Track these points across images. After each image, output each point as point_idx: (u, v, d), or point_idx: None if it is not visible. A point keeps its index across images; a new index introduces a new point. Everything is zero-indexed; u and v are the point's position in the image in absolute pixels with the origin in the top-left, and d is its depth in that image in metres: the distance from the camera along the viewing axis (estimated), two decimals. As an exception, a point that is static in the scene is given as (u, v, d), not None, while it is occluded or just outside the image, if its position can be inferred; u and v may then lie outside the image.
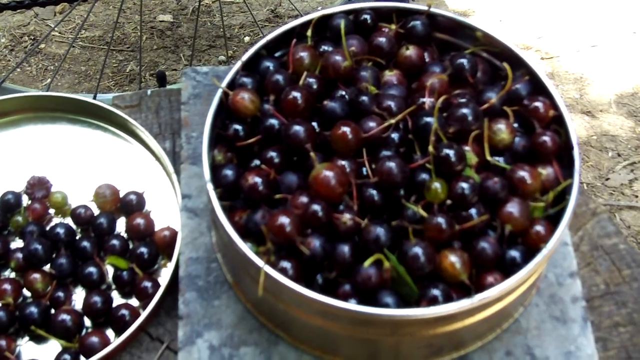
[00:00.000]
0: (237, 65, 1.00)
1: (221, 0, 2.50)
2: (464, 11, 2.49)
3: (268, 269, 0.83)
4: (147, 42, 2.40)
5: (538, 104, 0.96)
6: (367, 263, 0.84)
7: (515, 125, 0.96)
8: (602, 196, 2.02)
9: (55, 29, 2.41)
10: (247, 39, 2.43)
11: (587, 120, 2.21)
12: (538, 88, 0.99)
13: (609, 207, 1.99)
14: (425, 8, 1.04)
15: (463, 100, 0.96)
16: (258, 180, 0.90)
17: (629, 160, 2.12)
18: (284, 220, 0.85)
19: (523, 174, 0.91)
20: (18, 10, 2.08)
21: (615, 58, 2.38)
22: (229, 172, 0.93)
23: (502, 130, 0.94)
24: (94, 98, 1.49)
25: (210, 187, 0.90)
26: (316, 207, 0.86)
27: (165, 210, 1.12)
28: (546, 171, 0.94)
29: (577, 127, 2.16)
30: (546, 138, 0.94)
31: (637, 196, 2.04)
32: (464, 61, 1.00)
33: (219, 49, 2.38)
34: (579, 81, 2.32)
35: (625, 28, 2.46)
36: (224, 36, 2.38)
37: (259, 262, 0.83)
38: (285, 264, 0.86)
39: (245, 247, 0.85)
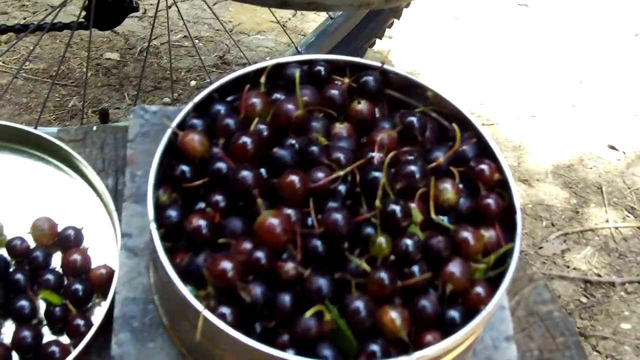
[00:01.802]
0: (189, 106, 0.99)
1: (170, 43, 2.50)
2: (410, 72, 2.52)
3: (207, 313, 0.82)
4: (92, 79, 2.38)
5: (484, 166, 0.97)
6: (308, 314, 0.83)
7: (461, 186, 0.97)
8: (535, 264, 2.05)
9: (0, 58, 2.37)
10: (193, 82, 2.43)
11: (523, 188, 2.25)
12: (484, 151, 1.00)
13: (542, 275, 2.02)
14: (379, 64, 1.05)
15: (411, 157, 0.96)
16: (202, 223, 0.89)
17: (562, 230, 2.16)
18: (227, 265, 0.84)
19: (466, 234, 0.91)
20: (-37, 37, 2.06)
21: (553, 129, 2.43)
22: (173, 213, 0.92)
23: (448, 190, 0.94)
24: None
25: (153, 226, 0.89)
26: (260, 254, 0.85)
27: (103, 248, 1.10)
28: (489, 233, 0.94)
29: (514, 194, 2.19)
30: (490, 201, 0.95)
31: (568, 267, 2.07)
32: (414, 119, 1.00)
33: (164, 91, 2.37)
34: (518, 149, 2.36)
35: (565, 100, 2.52)
36: (170, 78, 2.37)
37: (199, 305, 0.82)
38: (225, 310, 0.84)
39: (185, 290, 0.84)
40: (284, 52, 2.55)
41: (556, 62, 2.65)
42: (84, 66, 2.39)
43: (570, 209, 2.22)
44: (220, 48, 2.56)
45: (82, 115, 2.17)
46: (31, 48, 2.40)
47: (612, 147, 2.40)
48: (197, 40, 2.57)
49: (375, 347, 0.84)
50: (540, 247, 2.11)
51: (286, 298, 0.86)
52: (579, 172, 2.32)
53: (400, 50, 2.61)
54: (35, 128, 1.45)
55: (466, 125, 1.02)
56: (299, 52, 2.00)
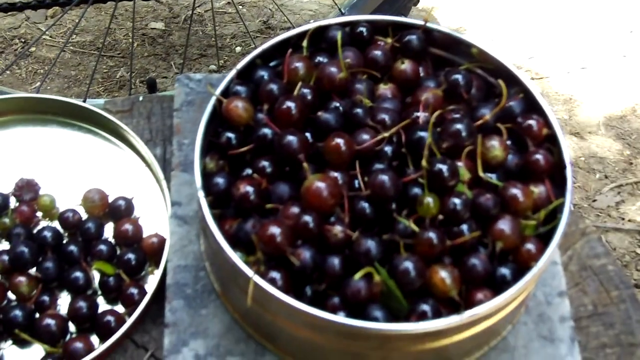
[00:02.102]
0: (232, 73, 0.99)
1: (214, 10, 2.50)
2: (456, 28, 2.49)
3: (257, 279, 0.82)
4: (138, 49, 2.39)
5: (532, 122, 0.96)
6: (357, 276, 0.84)
7: (509, 142, 0.96)
8: (589, 217, 2.03)
9: (46, 32, 2.40)
10: (238, 49, 2.43)
11: (575, 141, 2.22)
12: (532, 106, 0.99)
13: (596, 228, 1.99)
14: (422, 22, 1.04)
15: (457, 115, 0.95)
16: (250, 189, 0.90)
17: (616, 182, 2.13)
18: (275, 230, 0.85)
19: (515, 191, 0.90)
20: (9, 13, 2.07)
21: (604, 80, 2.39)
22: (220, 181, 0.92)
23: (496, 147, 0.93)
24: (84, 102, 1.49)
25: (201, 194, 0.89)
26: (307, 218, 0.86)
27: (154, 217, 1.11)
28: (538, 189, 0.93)
29: (566, 148, 2.17)
30: (539, 156, 0.94)
31: (623, 218, 2.05)
32: (459, 77, 0.99)
33: (209, 58, 2.38)
34: (568, 102, 2.33)
35: (616, 51, 2.47)
36: (215, 45, 2.38)
37: (249, 271, 0.83)
38: (275, 275, 0.85)
39: (235, 256, 0.84)
40: (327, 14, 2.53)
41: (606, 12, 2.59)
42: (130, 37, 2.41)
43: (624, 160, 2.18)
44: (264, 13, 2.56)
45: (130, 85, 2.18)
46: (77, 21, 2.42)
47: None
48: (240, 6, 2.57)
49: (426, 307, 0.84)
50: (594, 200, 2.08)
51: (335, 261, 0.86)
52: (631, 123, 2.28)
53: (445, 6, 2.57)
54: (84, 100, 1.48)
55: (513, 81, 1.00)
56: (342, 14, 1.98)
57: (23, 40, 2.39)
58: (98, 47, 2.38)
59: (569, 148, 0.94)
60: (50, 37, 2.42)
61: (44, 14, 2.48)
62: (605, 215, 2.05)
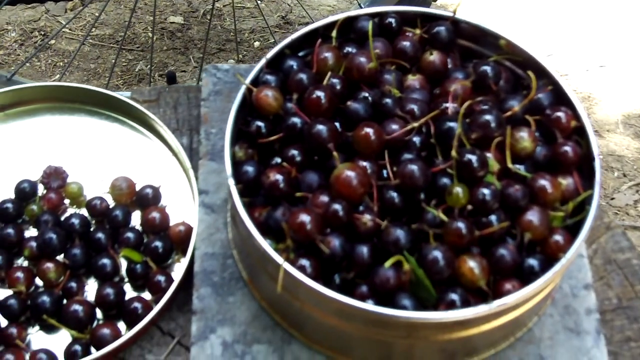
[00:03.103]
0: (262, 62, 1.00)
1: (235, 5, 2.50)
2: (475, 25, 2.49)
3: (287, 266, 0.83)
4: (157, 43, 2.39)
5: (560, 114, 0.96)
6: (387, 264, 0.84)
7: (537, 134, 0.96)
8: (607, 216, 2.01)
9: (66, 25, 2.40)
10: (257, 44, 2.43)
11: (594, 139, 2.21)
12: (560, 99, 0.98)
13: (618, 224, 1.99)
14: (450, 14, 1.04)
15: (486, 107, 0.95)
16: (279, 177, 0.90)
17: (635, 180, 2.12)
18: (305, 218, 0.85)
19: (544, 182, 0.90)
20: (30, 5, 2.08)
21: (623, 78, 2.38)
22: (250, 169, 0.92)
23: (525, 138, 0.93)
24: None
25: (231, 182, 0.89)
26: (337, 206, 0.86)
27: (181, 206, 1.12)
28: (566, 181, 0.93)
29: (585, 146, 2.16)
30: (568, 148, 0.94)
31: (641, 217, 2.05)
32: (488, 68, 0.99)
33: (228, 53, 2.38)
34: (587, 100, 2.32)
35: (634, 49, 2.47)
36: (235, 40, 2.38)
37: (279, 258, 0.83)
38: (304, 262, 0.85)
39: (265, 244, 0.84)
40: (345, 10, 2.53)
41: (624, 10, 2.59)
42: (149, 30, 2.41)
43: (642, 159, 2.18)
44: (283, 8, 2.56)
45: (150, 79, 2.19)
46: (97, 14, 2.43)
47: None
48: (259, 1, 2.57)
49: (454, 296, 0.84)
50: (612, 198, 2.08)
51: (364, 249, 0.86)
52: (650, 122, 2.28)
53: (464, 2, 2.57)
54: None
55: (541, 73, 1.00)
56: (361, 7, 1.98)
57: (43, 33, 2.40)
58: (117, 41, 2.39)
59: (596, 141, 0.93)
60: (69, 30, 2.43)
61: (64, 6, 2.49)
62: (624, 214, 2.04)
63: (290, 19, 2.52)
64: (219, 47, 2.40)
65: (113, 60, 2.06)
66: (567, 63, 2.42)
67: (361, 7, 1.98)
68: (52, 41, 2.38)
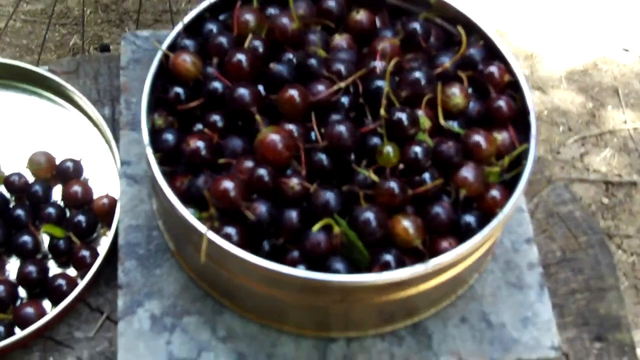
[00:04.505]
0: (178, 26, 0.96)
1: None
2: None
3: (211, 234, 0.79)
4: (91, 16, 2.33)
5: (493, 68, 0.94)
6: (316, 227, 0.81)
7: (470, 90, 0.93)
8: (554, 170, 2.02)
9: (-5, 1, 2.34)
10: (194, 13, 2.38)
11: (538, 96, 2.20)
12: (493, 54, 0.96)
13: (561, 180, 2.00)
14: (378, -30, 1.01)
15: (415, 64, 0.93)
16: (200, 144, 0.86)
17: (580, 134, 2.12)
18: (228, 184, 0.82)
19: (478, 138, 0.88)
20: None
21: (565, 34, 2.38)
22: (169, 137, 0.89)
23: (456, 94, 0.91)
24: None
25: (149, 151, 0.86)
26: (262, 171, 0.83)
27: (104, 178, 1.08)
28: (502, 136, 0.91)
29: (529, 103, 2.16)
30: (501, 103, 0.91)
31: (588, 169, 2.05)
32: (417, 25, 0.96)
33: (165, 24, 2.33)
34: (530, 58, 2.31)
35: (575, 4, 2.46)
36: (170, 10, 2.33)
37: (202, 227, 0.79)
38: (230, 230, 0.82)
39: (187, 213, 0.81)
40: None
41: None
42: (82, 4, 2.35)
43: (587, 113, 2.17)
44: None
45: (82, 52, 2.13)
46: (27, -11, 2.36)
47: (626, 50, 2.34)
48: (196, -31, 2.52)
49: (388, 257, 0.82)
50: (558, 152, 2.07)
51: (293, 214, 0.83)
52: (593, 77, 2.27)
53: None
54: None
55: (473, 29, 0.97)
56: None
57: (-29, 10, 2.33)
58: (50, 15, 2.32)
59: (531, 93, 0.91)
60: (0, 5, 2.36)
61: (-6, -18, 2.42)
62: (570, 167, 2.04)
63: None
64: (155, 19, 2.34)
65: (44, 35, 2.01)
66: (508, 21, 2.40)
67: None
68: (-19, 18, 2.31)
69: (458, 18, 0.99)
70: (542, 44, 2.35)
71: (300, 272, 0.79)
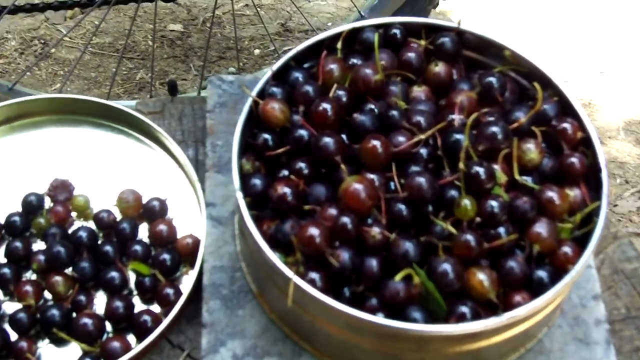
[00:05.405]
0: (267, 74, 1.00)
1: (234, 12, 2.50)
2: (475, 33, 2.49)
3: (297, 279, 0.83)
4: (157, 51, 2.39)
5: (566, 125, 0.96)
6: (397, 277, 0.84)
7: (544, 145, 0.96)
8: (614, 225, 2.01)
9: (66, 34, 2.40)
10: (257, 51, 2.43)
11: (595, 146, 2.20)
12: (566, 109, 0.99)
13: (625, 233, 1.99)
14: (455, 25, 1.04)
15: (492, 118, 0.95)
16: (287, 190, 0.90)
17: (637, 187, 2.12)
18: (314, 231, 0.85)
19: (552, 194, 0.90)
20: (30, 13, 2.07)
21: (623, 84, 2.38)
22: (257, 182, 0.92)
23: (532, 150, 0.93)
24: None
25: (239, 195, 0.89)
26: (346, 219, 0.86)
27: (188, 218, 1.11)
28: (574, 192, 0.93)
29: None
30: (574, 159, 0.94)
31: (644, 223, 2.05)
32: (493, 79, 0.99)
33: (228, 61, 2.38)
34: (588, 107, 2.32)
35: (634, 54, 2.47)
36: (235, 48, 2.38)
37: (288, 272, 0.83)
38: (314, 275, 0.85)
39: (275, 257, 0.84)
40: (345, 17, 2.53)
41: (623, 16, 2.59)
42: (149, 39, 2.41)
43: (644, 165, 2.18)
44: (282, 15, 2.56)
45: (150, 87, 2.18)
46: (97, 23, 2.42)
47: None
48: (259, 8, 2.57)
49: (464, 309, 0.84)
50: (615, 205, 2.07)
51: (373, 262, 0.86)
52: (651, 128, 2.28)
53: (461, 8, 2.58)
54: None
55: (546, 83, 1.00)
56: (362, 16, 1.98)
57: (43, 42, 2.40)
58: (117, 49, 2.38)
59: (603, 152, 0.94)
60: (69, 38, 2.43)
61: (64, 15, 2.48)
62: (627, 220, 2.04)
63: (289, 26, 2.52)
64: (219, 55, 2.40)
65: (114, 69, 2.06)
66: (566, 69, 2.42)
67: (362, 15, 1.98)
68: (53, 50, 2.38)
69: (532, 72, 1.02)
70: (600, 92, 2.35)
71: (380, 319, 0.82)
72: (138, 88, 2.29)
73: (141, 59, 2.38)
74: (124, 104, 1.21)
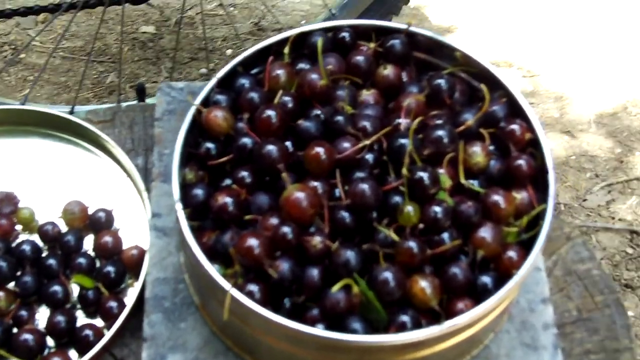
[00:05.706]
0: (212, 82, 0.99)
1: (204, 13, 2.49)
2: (448, 27, 2.48)
3: (235, 292, 0.81)
4: (129, 54, 2.38)
5: (514, 126, 0.95)
6: (335, 288, 0.83)
7: (491, 148, 0.95)
8: (579, 217, 2.02)
9: (36, 38, 2.38)
10: (229, 51, 2.41)
11: (566, 139, 2.20)
12: (515, 110, 0.98)
13: (586, 228, 1.99)
14: (405, 26, 1.03)
15: (439, 122, 0.95)
16: (228, 200, 0.89)
17: (607, 181, 2.12)
18: (253, 242, 0.84)
19: (497, 198, 0.89)
20: (0, 19, 2.06)
21: (595, 77, 2.38)
22: (199, 192, 0.91)
23: (478, 153, 0.92)
24: (72, 110, 1.47)
25: (179, 206, 0.88)
26: (286, 229, 0.85)
27: (135, 229, 1.10)
28: (521, 195, 0.92)
29: (556, 147, 2.16)
30: (521, 162, 0.93)
31: (613, 218, 2.04)
32: (442, 82, 0.98)
33: (200, 62, 2.37)
34: (560, 100, 2.31)
35: (606, 47, 2.46)
36: (205, 49, 2.36)
37: (226, 284, 0.82)
38: (253, 287, 0.84)
39: (212, 269, 0.83)
40: (319, 15, 2.51)
41: (594, 9, 2.58)
42: (121, 41, 2.39)
43: (615, 158, 2.17)
44: (256, 14, 2.54)
45: (119, 91, 2.17)
46: (66, 26, 2.41)
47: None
48: (232, 8, 2.55)
49: (405, 318, 0.83)
50: (585, 200, 2.07)
51: (314, 272, 0.85)
52: (622, 120, 2.27)
53: (436, 4, 2.56)
54: (73, 106, 1.47)
55: (496, 84, 0.99)
56: (332, 14, 1.97)
57: (13, 47, 2.38)
58: (88, 53, 2.37)
59: (554, 148, 0.93)
60: (40, 43, 2.41)
61: (35, 20, 2.47)
62: (596, 215, 2.04)
63: (263, 25, 2.51)
64: (191, 57, 2.38)
65: (82, 73, 2.04)
66: (539, 63, 2.41)
67: (332, 14, 1.97)
68: (22, 55, 2.36)
69: (482, 73, 1.01)
70: (572, 85, 2.35)
71: (319, 331, 0.81)
72: (108, 92, 2.28)
73: (112, 62, 2.36)
74: (78, 111, 1.20)
